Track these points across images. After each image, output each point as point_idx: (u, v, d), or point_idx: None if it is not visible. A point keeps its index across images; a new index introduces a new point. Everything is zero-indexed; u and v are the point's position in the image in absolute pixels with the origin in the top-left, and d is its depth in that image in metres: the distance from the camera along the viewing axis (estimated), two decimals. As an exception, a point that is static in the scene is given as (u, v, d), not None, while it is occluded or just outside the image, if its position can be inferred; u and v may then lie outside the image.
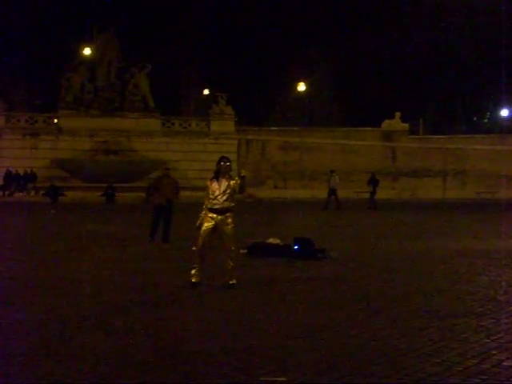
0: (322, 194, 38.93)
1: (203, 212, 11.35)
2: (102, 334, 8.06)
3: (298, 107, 64.48)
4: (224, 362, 6.92)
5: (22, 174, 48.78)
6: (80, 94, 54.11)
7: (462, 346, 7.63)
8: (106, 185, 43.75)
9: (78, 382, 6.32)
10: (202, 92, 68.12)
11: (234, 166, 50.53)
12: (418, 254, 16.49)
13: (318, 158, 53.93)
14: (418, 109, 65.11)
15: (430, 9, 62.16)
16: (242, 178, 11.48)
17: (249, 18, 62.71)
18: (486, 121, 74.29)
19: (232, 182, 11.27)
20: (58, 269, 13.48)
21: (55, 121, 54.10)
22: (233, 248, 11.38)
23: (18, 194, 47.41)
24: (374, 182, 38.54)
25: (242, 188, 11.42)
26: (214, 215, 11.22)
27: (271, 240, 16.06)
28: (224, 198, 11.21)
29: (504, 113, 65.82)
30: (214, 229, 11.24)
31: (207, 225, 11.23)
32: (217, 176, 11.31)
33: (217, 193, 11.21)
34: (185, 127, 55.20)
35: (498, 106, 66.21)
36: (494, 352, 7.38)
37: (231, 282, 11.18)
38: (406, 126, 58.16)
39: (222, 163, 11.30)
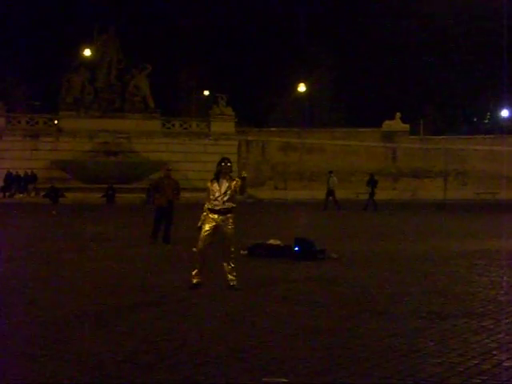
0: (322, 194, 38.98)
1: (204, 213, 11.35)
2: (103, 335, 8.06)
3: (298, 108, 64.49)
4: (225, 362, 6.92)
5: (22, 175, 48.81)
6: (80, 95, 54.13)
7: (463, 346, 7.62)
8: (106, 186, 43.78)
9: (77, 383, 6.31)
10: (202, 93, 68.16)
11: (235, 167, 50.57)
12: (418, 254, 16.48)
13: (319, 159, 53.94)
14: (419, 109, 65.17)
15: (431, 10, 62.16)
16: (242, 178, 11.47)
17: (249, 19, 62.77)
18: (486, 121, 74.32)
19: (233, 183, 11.26)
20: (58, 269, 13.48)
21: (55, 122, 54.13)
22: (233, 249, 11.38)
23: (18, 196, 47.44)
24: (372, 183, 38.59)
25: (242, 189, 11.42)
26: (215, 216, 11.22)
27: (272, 241, 16.06)
28: (225, 198, 11.21)
29: (504, 113, 65.86)
30: (215, 230, 11.25)
31: (208, 226, 11.23)
32: (217, 177, 11.30)
33: (217, 194, 11.21)
34: (185, 128, 55.22)
35: (499, 106, 66.25)
36: (494, 352, 7.38)
37: (231, 283, 11.18)
38: (407, 126, 58.16)
39: (223, 164, 11.30)
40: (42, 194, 44.86)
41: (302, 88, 62.36)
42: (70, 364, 6.81)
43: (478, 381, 6.41)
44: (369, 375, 6.54)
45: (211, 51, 64.24)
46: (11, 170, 48.54)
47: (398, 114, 57.57)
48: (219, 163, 11.36)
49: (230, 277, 11.23)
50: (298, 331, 8.32)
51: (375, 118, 57.39)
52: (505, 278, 12.77)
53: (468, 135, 60.93)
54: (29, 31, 60.50)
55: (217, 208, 11.21)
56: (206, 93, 67.08)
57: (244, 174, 11.62)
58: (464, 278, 12.84)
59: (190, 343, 7.70)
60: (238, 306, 9.95)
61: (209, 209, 11.27)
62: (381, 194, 46.21)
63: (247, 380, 6.40)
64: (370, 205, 37.23)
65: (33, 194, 47.86)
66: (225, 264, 11.32)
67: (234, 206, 11.38)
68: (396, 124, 57.69)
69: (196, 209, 11.57)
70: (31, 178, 48.85)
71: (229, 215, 11.28)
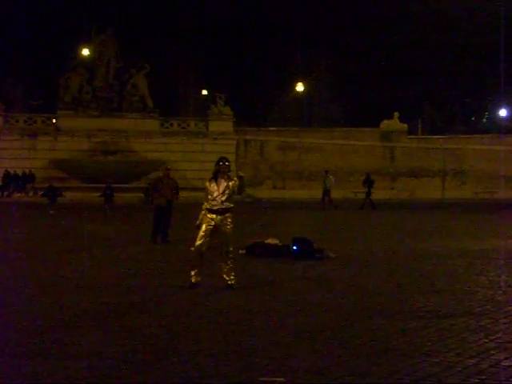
0: (320, 194, 39.06)
1: (202, 212, 11.35)
2: (102, 335, 8.06)
3: (297, 107, 64.47)
4: (223, 362, 6.92)
5: (20, 174, 48.79)
6: (78, 94, 54.09)
7: (461, 345, 7.63)
8: (104, 185, 43.75)
9: (77, 382, 6.31)
10: (200, 92, 68.12)
11: (233, 166, 50.65)
12: (416, 254, 16.49)
13: (317, 159, 53.94)
14: (417, 109, 65.17)
15: (430, 9, 62.16)
16: (240, 178, 11.49)
17: (247, 18, 62.73)
18: (484, 121, 74.31)
19: (231, 183, 11.26)
20: (56, 269, 13.48)
21: (54, 121, 54.09)
22: (231, 248, 11.38)
23: (16, 195, 47.41)
24: (369, 183, 38.67)
25: (240, 188, 11.44)
26: (214, 216, 11.22)
27: (270, 240, 16.07)
28: (223, 198, 11.21)
29: (502, 113, 65.85)
30: (214, 229, 11.25)
31: (206, 226, 11.23)
32: (215, 176, 11.30)
33: (215, 194, 11.21)
34: (183, 127, 55.19)
35: (497, 106, 66.24)
36: (492, 352, 7.39)
37: (230, 283, 11.18)
38: (405, 126, 58.16)
39: (221, 163, 11.30)
40: (40, 193, 44.84)
41: (300, 87, 62.33)
42: (69, 364, 6.81)
43: (477, 380, 6.42)
44: (367, 375, 6.55)
45: (209, 51, 64.18)
46: (9, 170, 48.51)
47: (396, 114, 57.57)
48: (217, 163, 11.37)
49: (228, 276, 11.23)
50: (296, 331, 8.33)
51: (373, 118, 57.40)
52: (503, 278, 12.78)
53: (466, 135, 60.92)
54: (27, 31, 60.39)
55: (215, 208, 11.21)
56: (205, 92, 67.05)
57: (241, 174, 11.63)
58: (462, 277, 12.85)
59: (188, 343, 7.70)
60: (236, 305, 9.95)
61: (207, 209, 11.27)
62: (379, 194, 46.27)
63: (245, 379, 6.41)
64: (367, 204, 37.27)
65: (31, 193, 47.84)
66: (223, 264, 11.32)
67: (232, 205, 11.39)
68: (394, 123, 57.69)
69: (194, 208, 11.58)
70: (29, 178, 48.82)
71: (227, 215, 11.28)
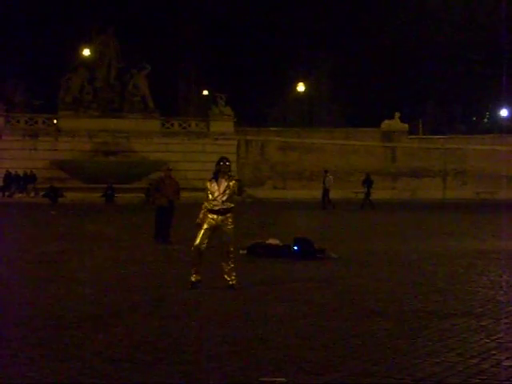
0: (321, 194, 39.07)
1: (202, 211, 11.35)
2: (102, 335, 8.07)
3: (298, 108, 64.49)
4: (224, 362, 6.92)
5: (21, 175, 48.79)
6: (79, 94, 54.11)
7: (462, 346, 7.63)
8: (105, 186, 43.77)
9: (77, 383, 6.32)
10: (201, 92, 68.13)
11: (234, 166, 50.69)
12: (417, 254, 16.49)
13: (318, 159, 53.92)
14: (418, 109, 65.15)
15: (430, 9, 62.15)
16: (238, 180, 11.50)
17: (248, 18, 62.72)
18: (485, 121, 74.28)
19: (231, 183, 11.26)
20: (57, 270, 13.48)
21: (55, 122, 54.09)
22: (232, 249, 11.37)
23: (17, 195, 47.43)
24: (368, 183, 38.70)
25: (240, 189, 11.44)
26: (215, 216, 11.21)
27: (271, 240, 16.07)
28: (224, 198, 11.20)
29: (503, 113, 65.82)
30: (214, 230, 11.25)
31: (207, 225, 11.23)
32: (216, 176, 11.29)
33: (216, 193, 11.20)
34: (184, 128, 55.19)
35: (498, 105, 66.21)
36: (493, 352, 7.38)
37: (231, 283, 11.18)
38: (406, 126, 58.15)
39: (222, 163, 11.30)
40: (42, 193, 44.83)
41: (301, 88, 62.35)
42: (69, 364, 6.81)
43: (477, 380, 6.42)
44: (368, 375, 6.54)
45: (210, 51, 64.19)
46: (10, 170, 48.52)
47: (398, 114, 57.56)
48: (218, 163, 11.37)
49: (229, 277, 11.23)
50: (297, 331, 8.33)
51: (374, 118, 57.38)
52: (504, 278, 12.78)
53: (467, 135, 60.91)
54: (28, 31, 60.45)
55: (216, 208, 11.20)
56: (205, 92, 67.05)
57: (237, 178, 11.62)
58: (463, 277, 12.85)
59: (188, 343, 7.70)
60: (237, 305, 9.95)
61: (208, 209, 11.26)
62: (380, 194, 46.28)
63: (246, 379, 6.41)
64: (367, 204, 37.31)
65: (32, 193, 47.85)
66: (224, 264, 11.32)
67: (233, 205, 11.38)
68: (395, 123, 57.67)
69: (195, 209, 11.58)
70: (30, 178, 48.83)
71: (228, 215, 11.29)
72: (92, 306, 9.79)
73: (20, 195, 47.46)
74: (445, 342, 7.81)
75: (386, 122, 57.69)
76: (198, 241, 11.26)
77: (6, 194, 47.65)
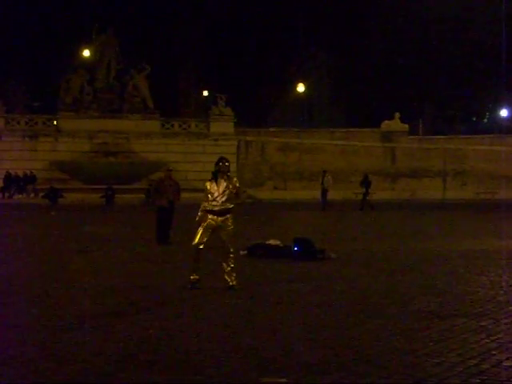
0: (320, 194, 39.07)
1: (200, 211, 11.33)
2: (102, 335, 8.07)
3: (298, 108, 64.48)
4: (224, 362, 6.93)
5: (21, 175, 48.77)
6: (79, 95, 54.10)
7: (462, 346, 7.64)
8: (105, 186, 43.76)
9: (77, 383, 6.32)
10: (201, 93, 68.16)
11: (234, 167, 50.69)
12: (417, 254, 16.50)
13: (318, 159, 53.91)
14: (418, 109, 65.17)
15: (430, 9, 62.15)
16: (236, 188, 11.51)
17: (248, 19, 62.76)
18: (485, 121, 74.29)
19: (231, 183, 11.25)
20: (57, 270, 13.49)
21: (54, 122, 54.07)
22: (232, 249, 11.37)
23: (17, 196, 47.42)
24: (366, 183, 38.73)
25: (237, 195, 11.41)
26: (215, 217, 11.21)
27: (271, 241, 16.07)
28: (223, 198, 11.21)
29: (503, 113, 65.84)
30: (214, 230, 11.25)
31: (207, 226, 11.22)
32: (215, 177, 11.30)
33: (216, 194, 11.21)
34: (184, 128, 55.18)
35: (498, 106, 66.23)
36: (493, 352, 7.39)
37: (231, 283, 11.19)
38: (406, 126, 58.15)
39: (221, 164, 11.30)
40: (41, 194, 44.82)
41: (300, 88, 62.34)
42: (69, 364, 6.82)
43: (478, 381, 6.42)
44: (368, 375, 6.55)
45: (210, 52, 64.23)
46: (10, 171, 48.50)
47: (397, 114, 57.56)
48: (217, 163, 11.37)
49: (229, 277, 11.23)
50: (298, 331, 8.34)
51: (374, 118, 57.39)
52: (504, 278, 12.79)
53: (467, 135, 60.90)
54: (28, 32, 60.48)
55: (216, 209, 11.20)
56: (205, 93, 67.08)
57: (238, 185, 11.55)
58: (463, 277, 12.85)
59: (189, 343, 7.71)
60: (237, 306, 9.96)
61: (208, 210, 11.26)
62: (380, 194, 46.30)
63: (247, 380, 6.41)
64: (366, 205, 37.37)
65: (32, 194, 47.85)
66: (224, 264, 11.32)
67: (233, 206, 11.38)
68: (395, 124, 57.67)
69: (195, 209, 11.57)
70: (30, 179, 48.81)
71: (228, 216, 11.29)
72: (92, 306, 9.80)
73: (20, 196, 47.45)
74: (445, 342, 7.82)
75: (386, 122, 57.69)
76: (196, 240, 11.28)
77: (6, 194, 47.64)
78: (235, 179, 11.46)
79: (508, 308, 9.90)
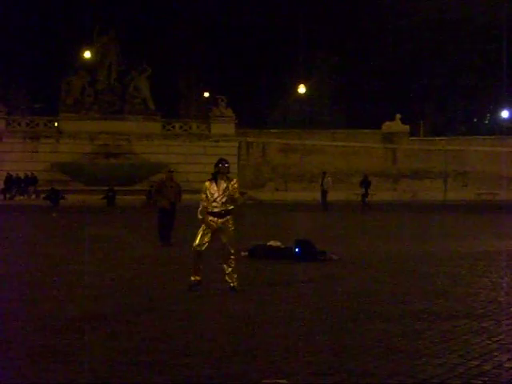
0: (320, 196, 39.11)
1: (201, 210, 11.29)
2: (103, 336, 8.07)
3: (299, 109, 64.47)
4: (225, 363, 6.92)
5: (22, 177, 48.82)
6: (80, 97, 54.14)
7: (464, 347, 7.63)
8: (106, 188, 43.78)
9: (78, 383, 6.33)
10: (202, 94, 68.15)
11: (235, 168, 50.71)
12: (419, 255, 16.48)
13: (319, 161, 53.93)
14: (419, 110, 65.13)
15: (430, 10, 62.16)
16: (242, 193, 11.48)
17: (249, 20, 62.75)
18: (486, 122, 74.27)
19: (230, 184, 11.23)
20: (58, 272, 13.49)
21: (56, 124, 54.11)
22: (233, 251, 11.34)
23: (18, 198, 47.46)
24: (366, 184, 38.73)
25: (234, 200, 11.31)
26: (215, 219, 11.19)
27: (272, 242, 16.06)
28: (223, 200, 11.19)
29: (504, 114, 65.79)
30: (214, 232, 11.23)
31: (207, 227, 11.20)
32: (215, 178, 11.27)
33: (216, 195, 11.18)
34: (185, 130, 55.20)
35: (499, 107, 66.19)
36: (495, 353, 7.38)
37: (232, 285, 11.17)
38: (407, 127, 58.15)
39: (221, 165, 11.28)
40: (43, 196, 44.84)
41: (302, 89, 62.32)
42: (69, 365, 6.81)
43: (479, 382, 6.41)
44: (369, 376, 6.54)
45: (211, 53, 64.23)
46: (11, 172, 48.54)
47: (398, 116, 57.57)
48: (216, 164, 11.35)
49: (230, 279, 11.22)
50: (299, 332, 8.33)
51: (375, 120, 57.38)
52: (505, 279, 12.78)
53: (468, 136, 60.90)
54: (29, 33, 60.50)
55: (216, 210, 11.17)
56: (206, 94, 67.07)
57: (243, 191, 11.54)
58: (464, 279, 12.84)
59: (189, 344, 7.70)
60: (238, 307, 9.95)
61: (208, 212, 11.24)
62: (381, 195, 46.32)
63: (248, 381, 6.40)
64: (364, 205, 37.47)
65: (33, 196, 47.87)
66: (225, 266, 11.31)
67: (233, 207, 11.36)
68: (396, 125, 57.68)
69: (196, 211, 11.55)
70: (31, 180, 48.85)
71: (228, 217, 11.27)
72: (93, 307, 9.79)
73: (21, 198, 47.48)
74: (446, 343, 7.81)
75: (387, 123, 57.70)
76: (197, 241, 11.26)
77: (7, 196, 47.67)
78: (235, 180, 11.43)
79: (509, 309, 9.88)
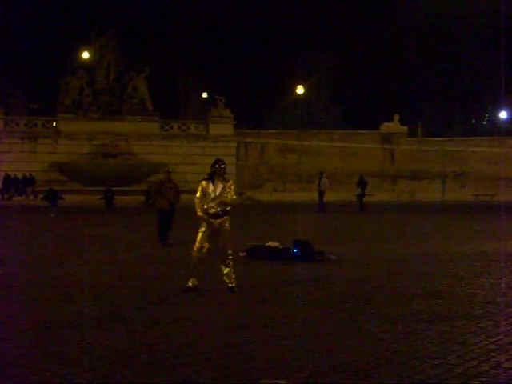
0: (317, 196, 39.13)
1: (199, 208, 11.24)
2: (102, 336, 8.08)
3: (297, 110, 64.51)
4: (224, 364, 6.93)
5: (20, 177, 48.78)
6: (79, 97, 54.10)
7: (462, 348, 7.64)
8: (104, 188, 43.76)
9: (77, 383, 6.34)
10: (200, 95, 68.16)
11: (233, 169, 50.63)
12: (417, 256, 16.50)
13: (317, 161, 53.95)
14: (417, 111, 65.18)
15: (429, 11, 62.20)
16: (240, 194, 11.48)
17: (247, 21, 62.76)
18: (484, 123, 74.35)
19: (227, 184, 11.23)
20: (57, 272, 13.49)
21: (54, 124, 54.06)
22: (230, 251, 11.35)
23: (16, 198, 47.39)
24: (362, 184, 38.77)
25: (225, 203, 11.28)
26: (212, 220, 11.19)
27: (270, 243, 16.07)
28: (219, 200, 11.17)
29: (503, 115, 65.88)
30: (212, 233, 11.23)
31: (205, 229, 11.20)
32: (212, 178, 11.26)
33: (213, 195, 11.18)
34: (183, 130, 55.18)
35: (497, 108, 66.28)
36: (493, 354, 7.40)
37: (230, 285, 11.18)
38: (405, 128, 58.19)
39: (217, 166, 11.27)
40: (41, 196, 44.71)
41: (300, 90, 62.35)
42: (70, 364, 6.82)
43: (477, 382, 6.43)
44: (368, 377, 6.56)
45: (210, 54, 64.25)
46: (9, 173, 48.50)
47: (397, 116, 57.60)
48: (213, 165, 11.33)
49: (228, 279, 11.23)
50: (297, 333, 8.34)
51: (373, 120, 57.41)
52: (503, 280, 12.79)
53: (466, 137, 60.94)
54: (27, 34, 60.48)
55: (212, 211, 11.16)
56: (205, 95, 67.08)
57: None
58: (463, 279, 12.85)
59: (188, 345, 7.71)
60: (236, 308, 9.96)
61: (205, 213, 11.23)
62: (379, 196, 46.33)
63: (247, 382, 6.42)
64: (362, 205, 37.51)
65: (31, 196, 47.82)
66: (222, 266, 11.31)
67: (229, 208, 11.35)
68: (394, 126, 57.71)
69: (194, 211, 11.56)
70: (29, 181, 48.81)
71: (225, 218, 11.27)
72: (92, 307, 9.80)
73: (19, 198, 47.43)
74: (445, 344, 7.83)
75: (385, 124, 57.74)
76: (197, 245, 11.25)
77: (5, 196, 47.62)
78: (231, 182, 11.41)
79: (508, 310, 9.90)
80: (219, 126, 54.53)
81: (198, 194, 11.27)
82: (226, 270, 11.25)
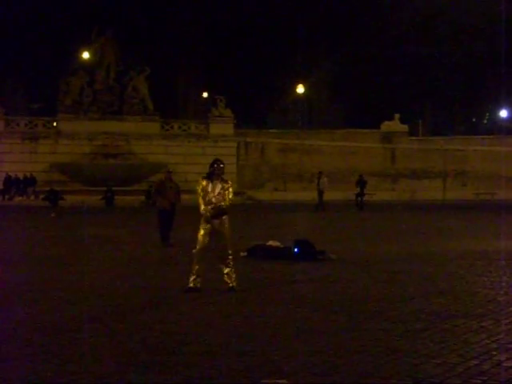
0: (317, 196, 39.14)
1: (202, 205, 11.20)
2: (102, 337, 8.07)
3: (297, 109, 64.51)
4: (224, 364, 6.92)
5: (21, 178, 48.81)
6: (79, 97, 54.14)
7: (463, 347, 7.63)
8: (105, 188, 43.78)
9: (77, 383, 6.33)
10: (200, 95, 68.17)
11: (234, 168, 50.60)
12: (417, 255, 16.49)
13: (318, 160, 53.95)
14: (418, 110, 65.20)
15: (429, 10, 62.18)
16: (241, 194, 11.47)
17: (248, 20, 62.77)
18: (485, 122, 74.33)
19: (226, 185, 11.20)
20: (58, 272, 13.48)
21: (54, 124, 54.10)
22: (230, 251, 11.33)
23: (17, 198, 47.43)
24: (361, 184, 38.79)
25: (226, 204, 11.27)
26: (211, 219, 11.17)
27: (271, 242, 16.07)
28: (218, 201, 11.15)
29: (503, 114, 65.86)
30: (212, 232, 11.21)
31: (205, 230, 11.18)
32: (210, 178, 11.24)
33: (211, 195, 11.16)
34: (184, 130, 55.21)
35: (498, 107, 66.25)
36: (494, 353, 7.38)
37: (231, 285, 11.17)
38: (406, 127, 58.20)
39: (216, 165, 11.24)
40: (42, 196, 44.81)
41: (300, 89, 62.37)
42: (70, 366, 6.82)
43: (478, 381, 6.42)
44: (369, 376, 6.54)
45: (210, 53, 64.25)
46: (10, 173, 48.53)
47: (397, 115, 57.61)
48: (212, 165, 11.30)
49: (229, 279, 11.21)
50: (298, 332, 8.33)
51: (374, 119, 57.43)
52: (504, 279, 12.78)
53: (467, 136, 60.98)
54: (27, 34, 60.49)
55: (211, 211, 11.14)
56: (205, 95, 67.10)
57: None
58: (463, 278, 12.84)
59: (189, 344, 7.70)
60: (237, 307, 9.95)
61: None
62: (380, 195, 46.33)
63: (248, 381, 6.41)
64: (361, 204, 37.54)
65: (32, 196, 47.85)
66: (223, 266, 11.29)
67: (228, 207, 11.31)
68: (395, 125, 57.72)
69: (195, 211, 11.56)
70: (30, 181, 48.84)
71: (224, 217, 11.25)
72: (92, 307, 9.79)
73: (20, 198, 47.47)
74: (445, 343, 7.82)
75: (386, 123, 57.75)
76: (199, 245, 11.23)
77: (6, 197, 47.65)
78: (230, 183, 11.36)
79: (508, 309, 9.89)
80: (220, 126, 54.55)
81: (200, 194, 11.25)
82: (226, 270, 11.23)
